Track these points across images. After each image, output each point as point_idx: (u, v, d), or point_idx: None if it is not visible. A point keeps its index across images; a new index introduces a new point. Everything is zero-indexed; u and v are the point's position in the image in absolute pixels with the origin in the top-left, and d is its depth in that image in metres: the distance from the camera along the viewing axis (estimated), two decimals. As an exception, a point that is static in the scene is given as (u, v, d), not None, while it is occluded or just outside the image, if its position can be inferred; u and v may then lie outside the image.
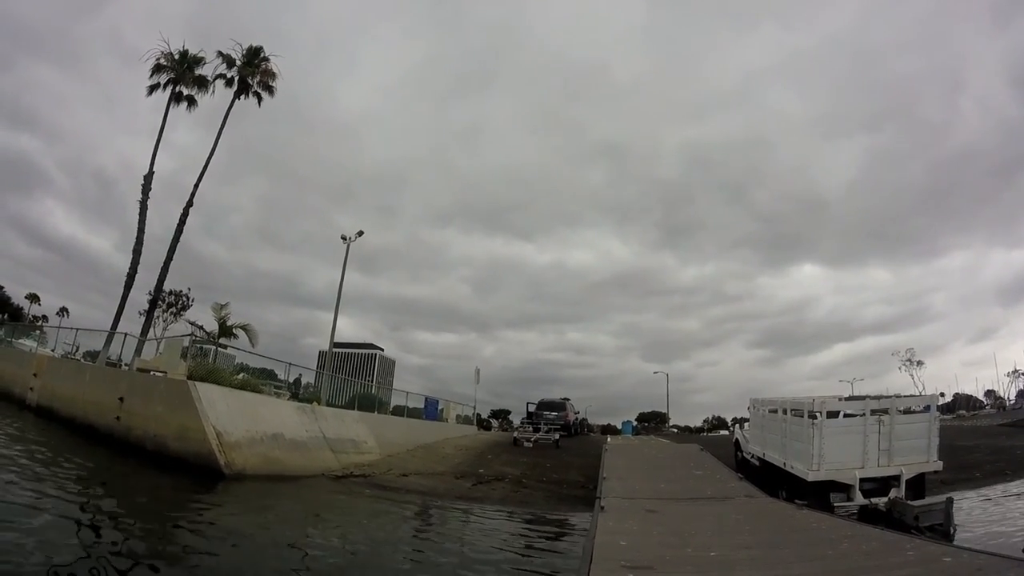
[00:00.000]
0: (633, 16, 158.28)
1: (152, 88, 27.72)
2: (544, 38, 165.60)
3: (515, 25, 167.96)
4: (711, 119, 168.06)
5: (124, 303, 26.43)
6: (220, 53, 27.87)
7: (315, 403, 20.81)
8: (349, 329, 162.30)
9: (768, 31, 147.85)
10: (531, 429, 29.68)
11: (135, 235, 26.69)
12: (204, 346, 21.53)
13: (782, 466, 12.45)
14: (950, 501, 10.16)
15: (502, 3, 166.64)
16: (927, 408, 12.18)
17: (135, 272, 26.34)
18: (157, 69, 27.52)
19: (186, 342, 19.37)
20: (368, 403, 26.93)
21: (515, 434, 29.27)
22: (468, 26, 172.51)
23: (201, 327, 29.02)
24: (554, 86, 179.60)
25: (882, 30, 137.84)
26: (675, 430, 61.15)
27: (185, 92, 28.00)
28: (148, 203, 26.94)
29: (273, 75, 28.46)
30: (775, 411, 13.72)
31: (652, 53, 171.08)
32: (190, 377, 15.56)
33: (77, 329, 27.92)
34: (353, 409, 23.40)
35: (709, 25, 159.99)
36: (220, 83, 28.20)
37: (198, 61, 27.94)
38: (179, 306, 46.67)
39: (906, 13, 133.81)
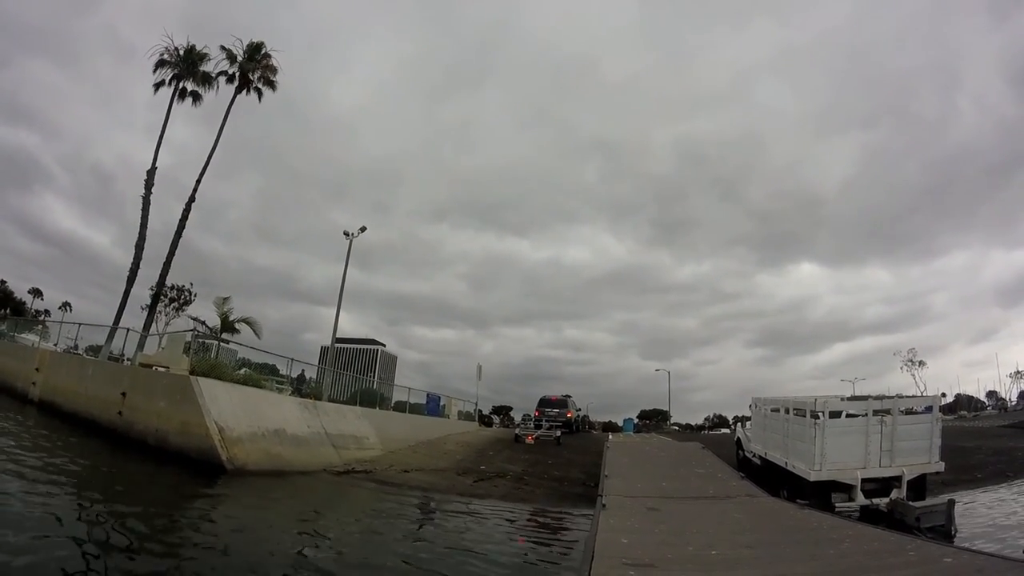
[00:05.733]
0: (625, 12, 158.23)
1: (158, 85, 27.70)
2: (535, 34, 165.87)
3: (507, 21, 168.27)
4: (704, 115, 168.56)
5: (126, 298, 26.48)
6: (223, 48, 27.86)
7: (316, 398, 20.85)
8: (348, 324, 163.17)
9: (762, 26, 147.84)
10: (533, 426, 29.70)
11: (135, 230, 26.73)
12: (206, 341, 21.58)
13: (784, 465, 12.45)
14: (951, 502, 10.16)
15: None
16: (929, 409, 12.16)
17: (137, 267, 26.35)
18: (161, 65, 27.51)
19: (188, 337, 19.41)
20: (370, 399, 26.97)
21: (517, 431, 29.29)
22: (460, 22, 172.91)
23: (203, 322, 29.07)
24: (546, 82, 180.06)
25: (877, 25, 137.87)
26: (676, 428, 61.17)
27: (189, 88, 27.98)
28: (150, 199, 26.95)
29: (275, 70, 28.44)
30: (777, 410, 13.71)
31: (645, 49, 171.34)
32: (192, 372, 15.59)
33: (79, 324, 28.01)
34: (355, 405, 23.44)
35: (702, 20, 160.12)
36: (222, 79, 28.21)
37: (202, 57, 27.90)
38: (181, 301, 46.78)
39: (902, 8, 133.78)
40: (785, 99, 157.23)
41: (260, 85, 28.34)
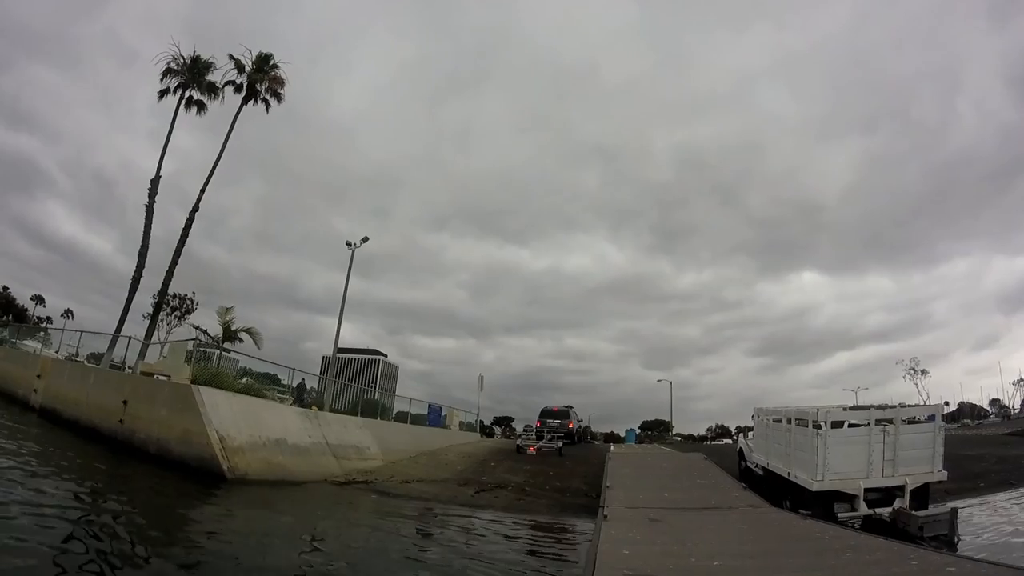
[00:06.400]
0: (625, 16, 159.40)
1: (163, 93, 27.79)
2: (535, 39, 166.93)
3: (506, 25, 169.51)
4: (704, 121, 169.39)
5: (128, 306, 26.45)
6: (231, 57, 27.97)
7: (317, 408, 20.83)
8: (349, 333, 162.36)
9: (761, 31, 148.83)
10: (534, 437, 29.61)
11: (137, 236, 26.57)
12: (208, 350, 21.59)
13: (786, 476, 12.41)
14: (954, 511, 10.14)
15: (493, 4, 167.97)
16: (931, 418, 12.12)
17: (140, 275, 26.34)
18: (168, 73, 27.63)
19: (190, 346, 19.45)
20: (371, 409, 26.95)
21: (518, 441, 29.20)
22: (459, 26, 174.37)
23: (205, 331, 29.08)
24: (545, 87, 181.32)
25: (877, 30, 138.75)
26: (678, 438, 60.88)
27: (196, 97, 28.07)
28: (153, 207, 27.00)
29: (282, 82, 28.53)
30: (779, 420, 13.68)
31: (644, 54, 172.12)
32: (194, 381, 15.61)
33: (81, 331, 28.05)
34: (356, 415, 23.41)
35: (701, 26, 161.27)
36: (228, 88, 28.31)
37: (208, 67, 28.03)
38: (183, 310, 46.87)
39: (902, 13, 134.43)
40: (785, 104, 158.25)
41: (267, 96, 28.45)
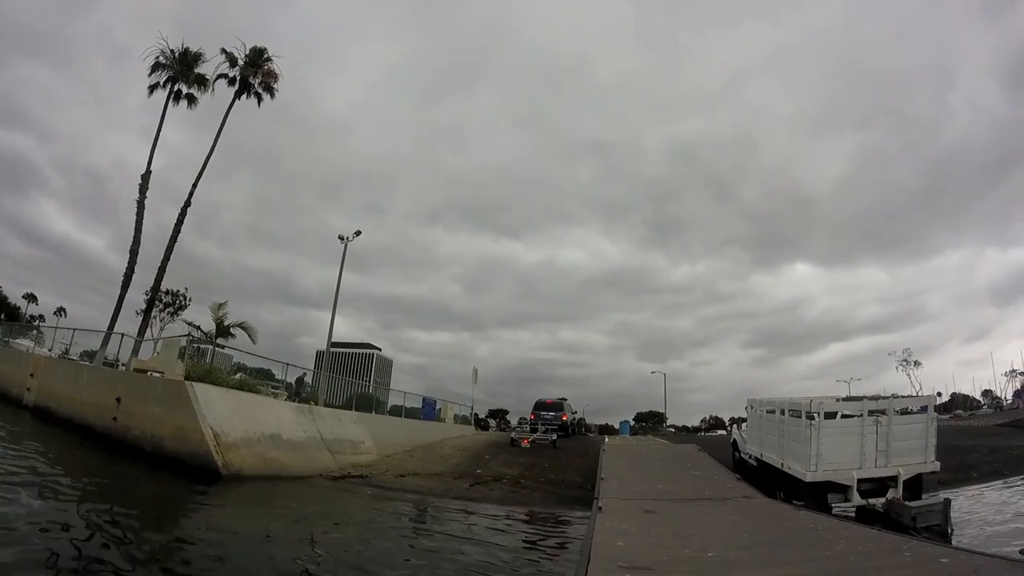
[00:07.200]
0: (618, 12, 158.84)
1: (153, 87, 27.54)
2: (528, 35, 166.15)
3: (499, 21, 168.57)
4: (697, 115, 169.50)
5: (121, 303, 26.36)
6: (224, 51, 27.72)
7: (312, 403, 20.78)
8: (343, 328, 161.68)
9: (755, 27, 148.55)
10: (528, 429, 29.64)
11: (129, 233, 26.60)
12: (201, 346, 21.47)
13: (780, 467, 12.46)
14: (947, 502, 10.18)
15: (487, 0, 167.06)
16: (924, 409, 12.19)
17: (132, 272, 26.23)
18: (156, 67, 27.37)
19: (183, 342, 19.29)
20: (366, 403, 26.91)
21: (512, 434, 29.22)
22: (453, 23, 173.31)
23: (198, 327, 28.98)
24: (539, 82, 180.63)
25: (871, 26, 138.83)
26: (673, 430, 61.14)
27: (185, 91, 27.83)
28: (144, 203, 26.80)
29: (275, 76, 28.32)
30: (773, 411, 13.72)
31: (637, 49, 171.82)
32: (187, 377, 15.51)
33: (74, 329, 27.84)
34: (351, 409, 23.38)
35: (694, 21, 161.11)
36: (220, 83, 28.10)
37: (197, 59, 27.77)
38: (176, 306, 46.65)
39: (895, 8, 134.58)
40: (778, 99, 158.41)
41: (260, 90, 28.21)
